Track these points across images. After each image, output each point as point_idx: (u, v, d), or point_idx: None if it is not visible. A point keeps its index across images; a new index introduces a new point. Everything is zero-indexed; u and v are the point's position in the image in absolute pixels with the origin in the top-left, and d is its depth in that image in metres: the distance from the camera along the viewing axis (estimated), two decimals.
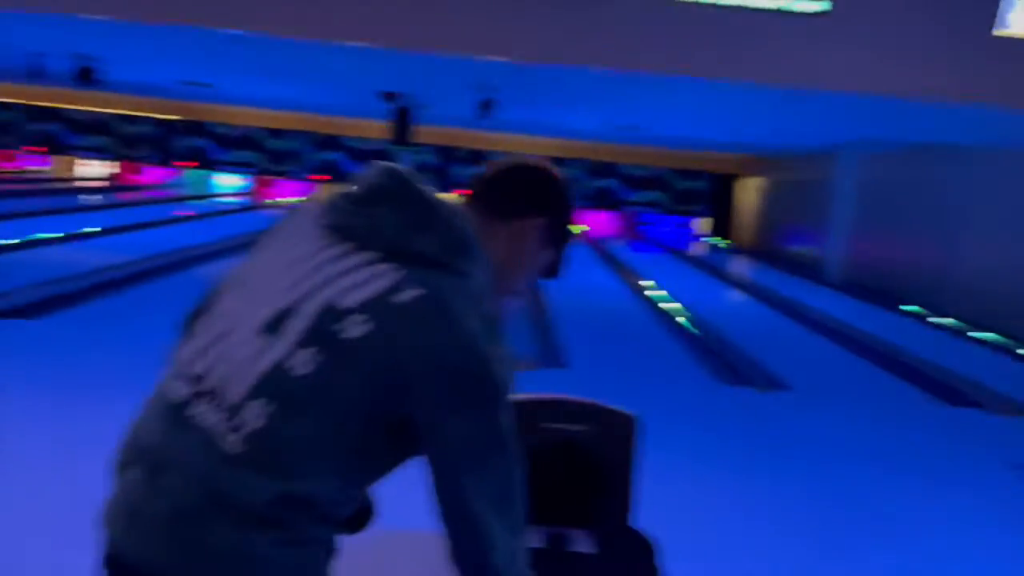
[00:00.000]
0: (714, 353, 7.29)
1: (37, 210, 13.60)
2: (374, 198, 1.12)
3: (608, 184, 21.67)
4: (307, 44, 7.48)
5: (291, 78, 12.08)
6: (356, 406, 1.02)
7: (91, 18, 6.30)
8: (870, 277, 13.70)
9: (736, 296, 12.21)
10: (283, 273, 1.09)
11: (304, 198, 22.11)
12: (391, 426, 1.04)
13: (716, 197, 21.78)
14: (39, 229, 10.79)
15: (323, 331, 1.02)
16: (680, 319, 8.85)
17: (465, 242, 1.12)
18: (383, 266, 1.06)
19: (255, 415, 1.01)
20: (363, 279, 1.05)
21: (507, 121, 14.93)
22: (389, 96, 11.62)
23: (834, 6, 4.71)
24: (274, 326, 1.04)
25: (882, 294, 12.65)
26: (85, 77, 11.23)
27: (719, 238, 21.49)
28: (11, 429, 3.80)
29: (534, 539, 2.07)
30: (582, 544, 2.03)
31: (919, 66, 5.46)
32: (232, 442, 1.01)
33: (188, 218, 15.18)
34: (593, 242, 17.48)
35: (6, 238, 9.67)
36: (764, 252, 18.58)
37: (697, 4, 4.94)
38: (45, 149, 22.03)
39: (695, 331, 8.23)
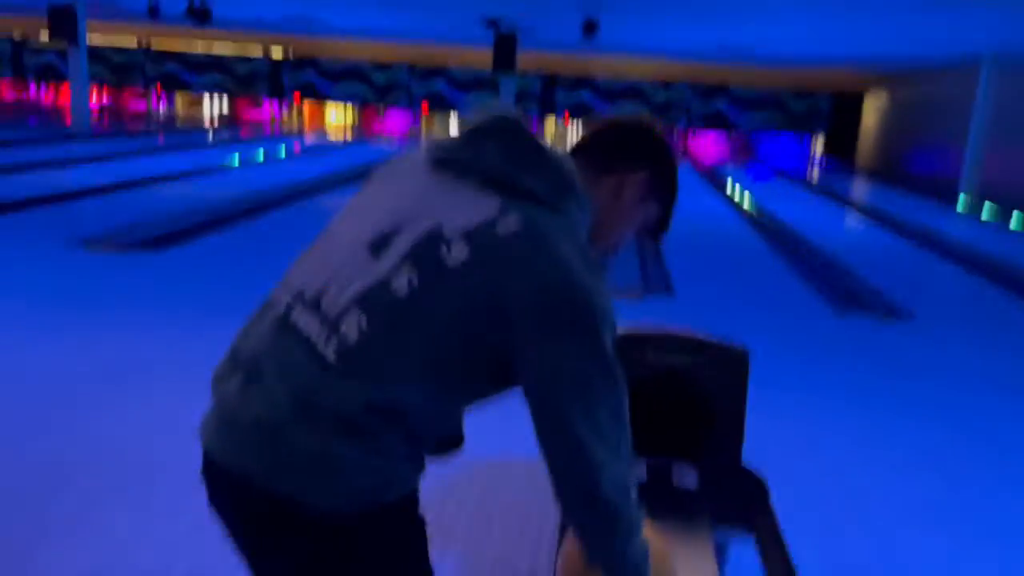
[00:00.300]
0: (832, 281, 6.96)
1: (162, 147, 14.26)
2: (485, 135, 1.14)
3: (718, 105, 20.82)
4: None
5: (397, 7, 12.04)
6: (453, 330, 1.03)
7: None
8: (1006, 200, 12.72)
9: (856, 221, 11.59)
10: (391, 199, 1.13)
11: (410, 129, 22.32)
12: (488, 353, 1.05)
13: (836, 117, 20.60)
14: (164, 166, 11.32)
15: (426, 255, 1.04)
16: (795, 246, 8.49)
17: (571, 186, 1.14)
18: (490, 198, 1.08)
19: (353, 328, 1.03)
20: (469, 208, 1.07)
21: (612, 43, 14.46)
22: (492, 22, 11.43)
23: None
24: (379, 246, 1.08)
25: (1019, 218, 11.74)
26: (200, 16, 11.55)
27: (837, 161, 20.40)
28: (139, 356, 4.04)
29: (637, 473, 2.05)
30: (687, 479, 1.98)
31: None
32: (329, 352, 1.03)
33: (301, 152, 15.58)
34: (703, 167, 16.91)
35: (134, 175, 10.20)
36: (888, 175, 17.53)
37: None
38: (162, 89, 22.96)
39: (811, 258, 7.88)
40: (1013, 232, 10.65)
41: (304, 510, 1.01)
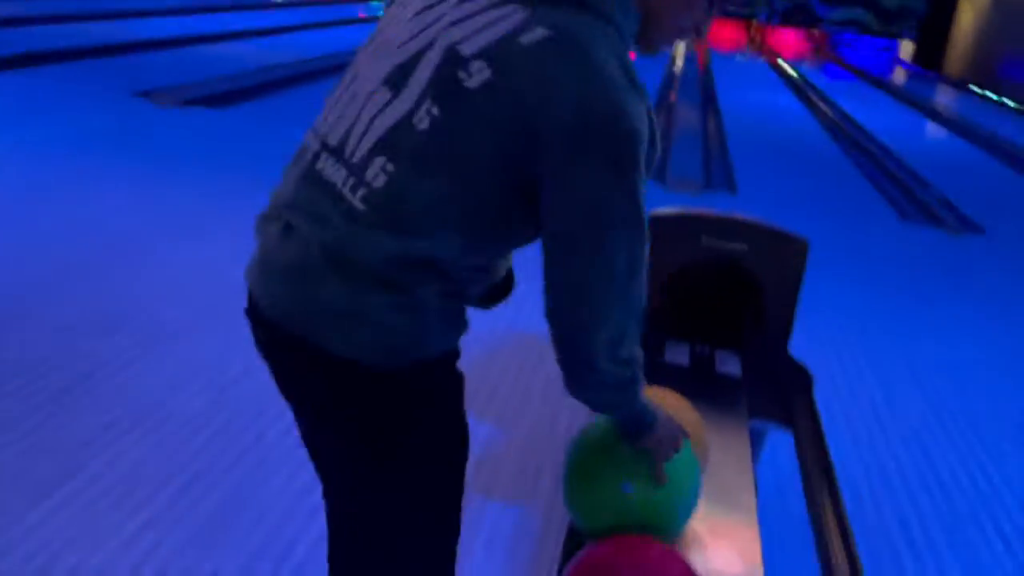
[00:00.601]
0: (906, 190, 6.68)
1: (228, 5, 14.10)
2: None
3: None
4: None
5: None
6: (482, 162, 0.93)
7: None
8: None
9: (939, 131, 11.01)
10: (407, 25, 1.02)
11: None
12: (521, 188, 0.95)
13: (929, 18, 19.28)
14: (231, 23, 11.21)
15: (446, 81, 0.94)
16: (869, 151, 8.12)
17: None
18: (511, 6, 0.96)
19: (379, 174, 0.96)
20: (488, 21, 0.95)
21: None
22: None
23: None
24: (397, 80, 0.98)
25: None
26: None
27: (925, 68, 19.24)
28: (193, 210, 4.10)
29: (679, 356, 2.03)
30: (730, 365, 1.95)
31: None
32: (356, 202, 0.97)
33: (368, 19, 15.26)
34: (782, 63, 16.12)
35: (203, 30, 10.14)
36: (979, 83, 16.50)
37: None
38: None
39: (885, 165, 7.54)
40: None
41: (333, 359, 0.98)
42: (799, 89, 12.44)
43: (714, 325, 2.08)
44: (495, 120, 0.92)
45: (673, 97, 10.04)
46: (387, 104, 0.98)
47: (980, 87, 16.15)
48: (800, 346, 3.26)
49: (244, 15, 13.07)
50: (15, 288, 3.06)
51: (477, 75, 0.93)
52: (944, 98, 14.45)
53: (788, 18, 19.94)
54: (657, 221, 2.02)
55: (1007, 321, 3.99)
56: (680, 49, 16.43)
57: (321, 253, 0.98)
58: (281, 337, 1.02)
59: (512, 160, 0.93)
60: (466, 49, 0.94)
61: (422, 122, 0.95)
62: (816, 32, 20.85)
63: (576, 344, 0.99)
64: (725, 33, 21.34)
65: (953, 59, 19.15)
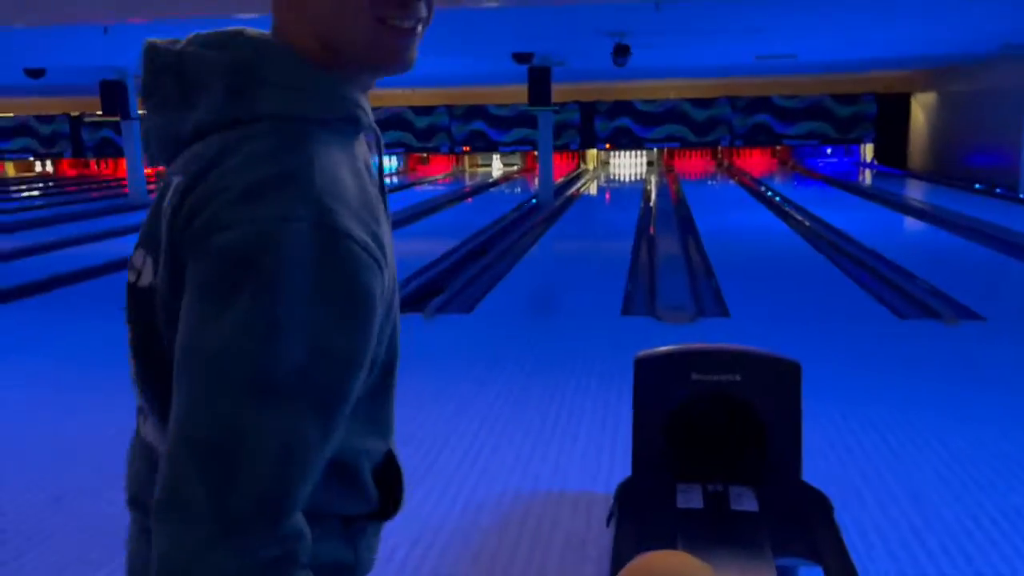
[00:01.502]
0: (895, 286, 6.72)
1: None
2: None
3: (762, 119, 20.55)
4: (440, 14, 7.49)
5: (433, 53, 12.23)
6: None
7: (238, 18, 6.59)
8: None
9: (916, 224, 11.23)
10: None
11: (452, 169, 22.56)
12: None
13: (885, 120, 20.13)
14: None
15: None
16: (853, 253, 8.24)
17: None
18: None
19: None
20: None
21: (646, 68, 14.43)
22: (524, 57, 11.51)
23: None
24: None
25: None
26: None
27: (889, 166, 19.89)
28: None
29: (692, 499, 1.95)
30: (745, 501, 1.88)
31: None
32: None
33: None
34: (749, 182, 16.66)
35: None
36: (943, 174, 17.01)
37: None
38: None
39: (870, 265, 7.63)
40: None
41: None
42: (773, 204, 12.79)
43: (722, 461, 2.02)
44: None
45: (652, 230, 10.28)
46: None
47: (943, 178, 16.63)
48: (817, 468, 3.15)
49: None
50: None
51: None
52: (913, 192, 14.85)
53: (750, 139, 20.78)
54: (644, 363, 1.99)
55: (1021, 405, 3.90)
56: (652, 183, 17.02)
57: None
58: None
59: None
60: None
61: None
62: (780, 148, 21.69)
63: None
64: (693, 163, 22.18)
65: (915, 155, 19.83)
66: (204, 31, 0.86)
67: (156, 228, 0.81)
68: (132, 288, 0.85)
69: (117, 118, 14.36)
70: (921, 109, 19.61)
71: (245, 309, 0.70)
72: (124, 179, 16.71)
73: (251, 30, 0.85)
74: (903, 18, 9.52)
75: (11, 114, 22.72)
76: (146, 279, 0.83)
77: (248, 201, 0.73)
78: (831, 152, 21.68)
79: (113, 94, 14.05)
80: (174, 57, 0.85)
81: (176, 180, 0.80)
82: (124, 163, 16.22)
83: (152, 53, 0.87)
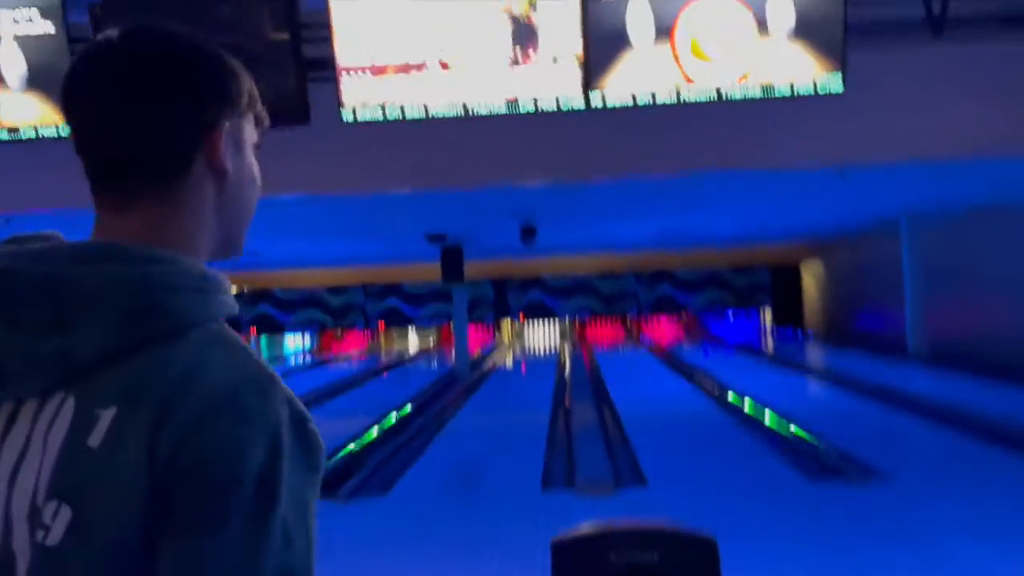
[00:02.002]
0: (800, 450, 6.90)
1: None
2: None
3: (665, 290, 21.53)
4: (353, 199, 7.76)
5: (345, 233, 12.52)
6: None
7: None
8: (954, 348, 13.05)
9: (816, 386, 11.71)
10: None
11: (367, 346, 22.49)
12: None
13: (779, 288, 21.40)
14: None
15: None
16: (759, 417, 8.47)
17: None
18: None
19: None
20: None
21: (554, 244, 15.12)
22: (436, 237, 11.91)
23: (847, 85, 4.69)
24: None
25: (969, 364, 11.99)
26: None
27: (788, 328, 20.95)
28: None
29: None
30: None
31: (954, 125, 5.35)
32: None
33: None
34: (660, 350, 17.18)
35: None
36: (837, 337, 17.97)
37: (707, 103, 4.98)
38: None
39: (777, 428, 7.84)
40: (965, 379, 10.82)
41: None
42: (682, 371, 13.16)
43: None
44: None
45: (567, 401, 10.37)
46: None
47: (839, 341, 17.55)
48: None
49: None
50: None
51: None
52: (812, 355, 15.58)
53: (656, 308, 21.65)
54: (560, 547, 1.97)
55: (950, 558, 3.97)
56: (566, 353, 17.35)
57: None
58: None
59: None
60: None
61: None
62: (684, 316, 22.63)
63: None
64: (605, 332, 22.80)
65: (810, 319, 20.99)
66: (28, 244, 0.80)
67: (82, 471, 0.71)
68: (37, 547, 0.71)
69: None
70: (811, 278, 20.98)
71: (270, 530, 0.72)
72: None
73: (120, 241, 0.79)
74: (786, 200, 10.39)
75: None
76: (57, 535, 0.70)
77: (243, 424, 0.72)
78: (733, 317, 22.73)
79: None
80: (43, 278, 0.75)
81: (108, 412, 0.72)
82: None
83: (8, 276, 0.76)
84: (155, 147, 0.82)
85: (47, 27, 4.92)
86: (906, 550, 4.19)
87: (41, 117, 5.09)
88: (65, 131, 5.26)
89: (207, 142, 0.83)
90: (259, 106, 0.90)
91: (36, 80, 5.03)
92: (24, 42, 4.95)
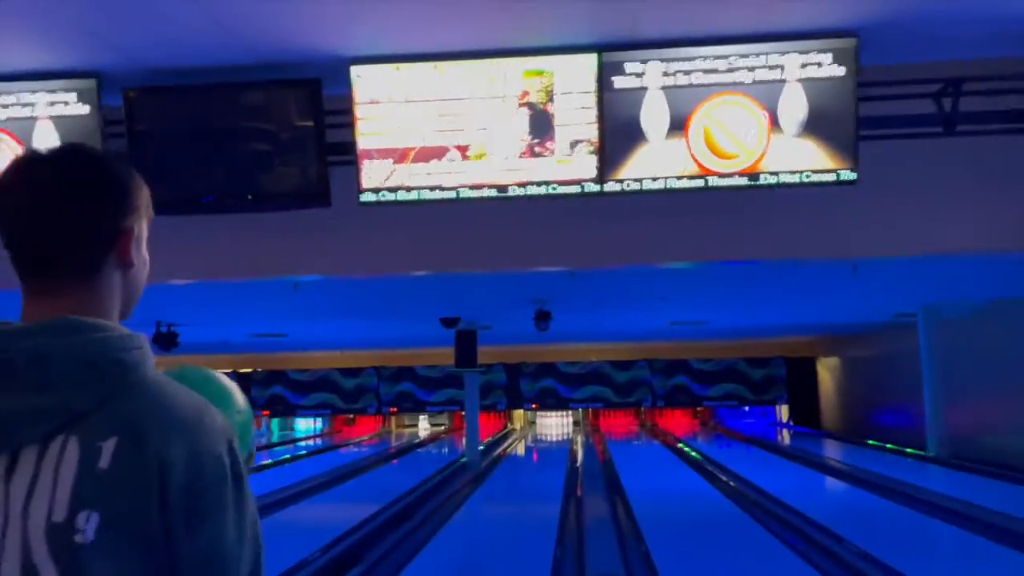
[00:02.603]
0: (823, 549, 6.66)
1: None
2: None
3: (680, 381, 21.30)
4: (370, 282, 7.83)
5: (361, 315, 12.58)
6: None
7: (171, 283, 6.73)
8: (976, 447, 12.74)
9: (834, 483, 11.41)
10: None
11: (379, 430, 22.27)
12: None
13: (795, 382, 21.12)
14: None
15: None
16: (777, 514, 8.22)
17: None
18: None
19: None
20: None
21: (568, 332, 15.09)
22: (450, 321, 11.93)
23: (860, 175, 4.74)
24: None
25: (993, 463, 11.68)
26: (167, 342, 11.90)
27: (804, 423, 20.58)
28: None
29: None
30: None
31: (970, 220, 5.35)
32: None
33: (269, 465, 15.29)
34: (675, 442, 16.87)
35: None
36: (855, 433, 17.61)
37: (720, 194, 5.04)
38: None
39: (798, 527, 7.60)
40: (988, 479, 10.51)
41: None
42: (697, 465, 12.88)
43: None
44: None
45: (579, 492, 10.14)
46: None
47: (856, 438, 17.20)
48: None
49: None
50: None
51: None
52: (830, 451, 15.24)
53: (671, 400, 21.37)
54: None
55: None
56: (579, 443, 17.07)
57: None
58: None
59: None
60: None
61: None
62: (700, 409, 22.30)
63: None
64: (618, 422, 22.48)
65: (827, 415, 20.62)
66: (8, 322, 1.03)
67: (99, 486, 0.96)
68: (74, 548, 0.94)
69: None
70: (827, 372, 20.73)
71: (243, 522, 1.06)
72: None
73: (70, 315, 1.03)
74: (798, 293, 10.38)
75: None
76: (90, 535, 0.95)
77: (213, 438, 1.04)
78: (749, 412, 22.39)
79: None
80: (32, 351, 0.98)
81: (110, 442, 0.97)
82: None
83: (2, 353, 0.98)
84: (81, 247, 1.06)
85: (82, 109, 5.09)
86: None
87: None
88: None
89: (120, 244, 1.09)
90: (151, 208, 1.16)
91: None
92: (59, 122, 5.12)
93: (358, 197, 5.10)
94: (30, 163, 1.08)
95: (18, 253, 1.06)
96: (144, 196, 1.14)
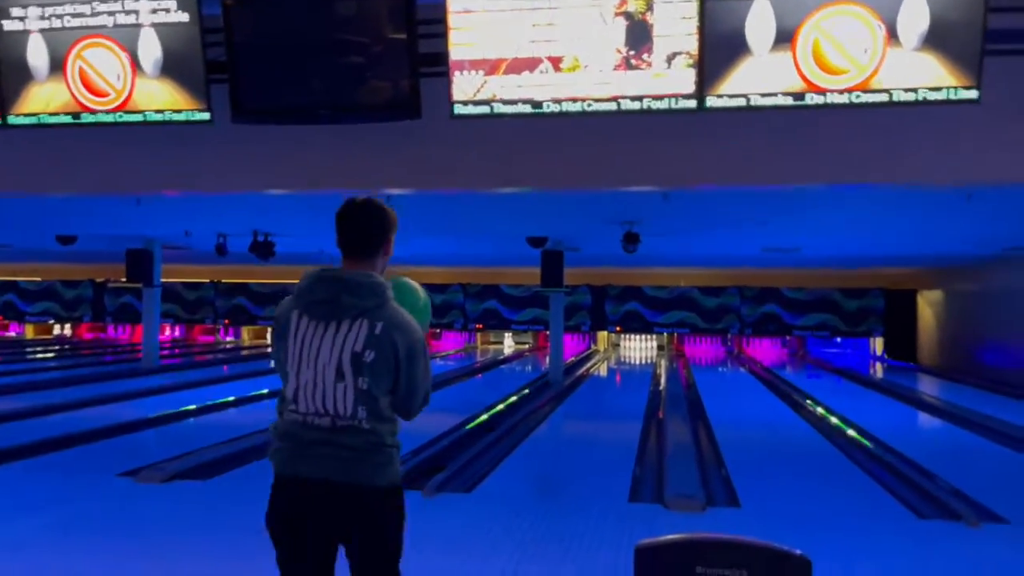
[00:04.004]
0: (912, 484, 6.50)
1: (227, 376, 14.73)
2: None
3: (771, 309, 20.83)
4: (459, 197, 7.83)
5: (447, 233, 12.69)
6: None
7: (269, 193, 6.89)
8: None
9: (930, 420, 11.06)
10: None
11: (465, 346, 22.73)
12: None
13: (892, 315, 20.35)
14: (229, 393, 11.59)
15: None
16: (866, 448, 8.05)
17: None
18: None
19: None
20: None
21: (656, 255, 14.86)
22: (537, 241, 11.90)
23: (981, 93, 4.38)
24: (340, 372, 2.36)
25: None
26: (264, 251, 12.30)
27: (899, 358, 19.91)
28: None
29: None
30: None
31: None
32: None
33: None
34: (761, 371, 16.64)
35: (197, 403, 10.43)
36: (954, 370, 16.94)
37: (827, 111, 4.75)
38: (230, 324, 24.09)
39: (887, 461, 7.42)
40: None
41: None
42: (784, 394, 12.68)
43: None
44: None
45: (661, 414, 10.15)
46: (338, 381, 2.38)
47: (955, 376, 16.55)
48: None
49: (245, 384, 13.57)
50: None
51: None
52: (925, 387, 14.75)
53: (759, 329, 20.97)
54: (645, 553, 1.89)
55: None
56: (662, 367, 17.03)
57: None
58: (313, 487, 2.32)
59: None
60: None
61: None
62: (789, 338, 21.82)
63: (420, 403, 2.47)
64: (703, 349, 22.27)
65: (924, 350, 19.87)
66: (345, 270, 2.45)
67: (374, 341, 2.32)
68: (362, 363, 2.31)
69: (139, 285, 14.72)
70: (928, 306, 19.87)
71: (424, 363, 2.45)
72: (139, 344, 16.90)
73: (363, 271, 2.41)
74: (905, 221, 9.86)
75: (39, 278, 23.37)
76: (371, 359, 2.31)
77: (416, 330, 2.44)
78: (840, 343, 21.77)
79: (139, 262, 14.50)
80: (353, 281, 2.36)
81: (379, 324, 2.32)
82: (140, 329, 16.46)
83: (344, 280, 2.37)
84: (371, 246, 2.44)
85: (182, 17, 5.17)
86: None
87: (172, 102, 5.35)
88: (194, 116, 5.47)
89: (384, 245, 2.47)
90: (396, 226, 2.51)
91: (169, 67, 5.29)
92: (161, 30, 5.22)
93: (451, 110, 5.06)
94: (355, 205, 2.45)
95: (346, 245, 2.43)
96: (394, 223, 2.50)
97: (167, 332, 24.29)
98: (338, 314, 2.29)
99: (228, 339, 24.70)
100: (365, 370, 2.27)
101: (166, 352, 19.39)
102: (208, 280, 23.54)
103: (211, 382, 13.35)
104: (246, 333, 25.06)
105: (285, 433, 2.34)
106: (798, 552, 1.90)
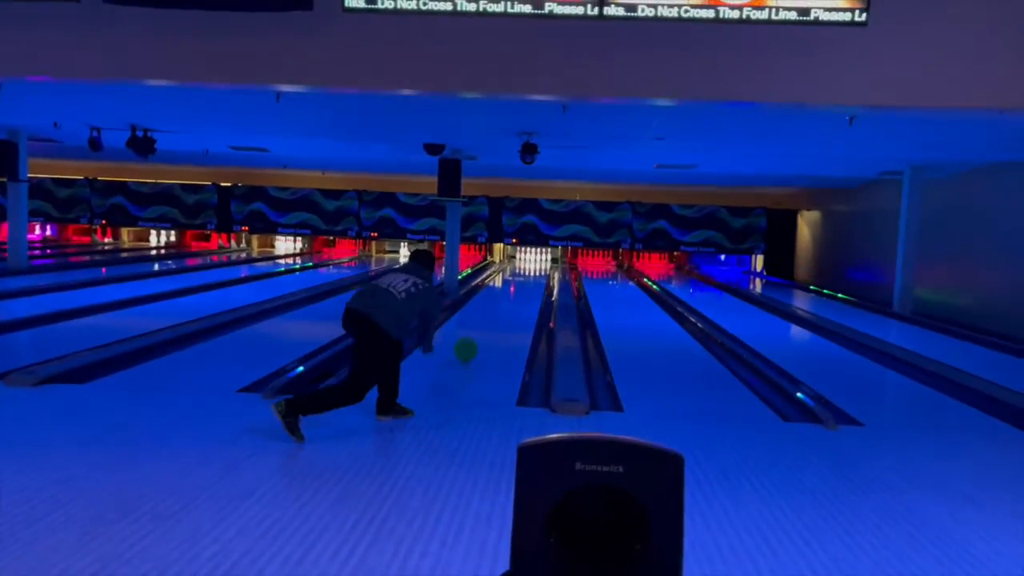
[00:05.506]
0: (781, 390, 6.95)
1: (102, 279, 14.04)
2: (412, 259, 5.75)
3: (660, 225, 21.43)
4: (357, 97, 7.53)
5: (343, 136, 12.28)
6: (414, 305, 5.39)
7: (146, 83, 6.44)
8: (940, 307, 13.11)
9: (799, 332, 11.77)
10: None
11: (359, 254, 22.43)
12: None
13: (774, 233, 21.32)
14: (104, 297, 11.07)
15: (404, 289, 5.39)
16: (743, 357, 8.51)
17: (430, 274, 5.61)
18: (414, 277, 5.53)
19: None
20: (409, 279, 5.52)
21: (553, 168, 14.91)
22: (435, 148, 11.70)
23: (870, 16, 4.51)
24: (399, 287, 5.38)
25: (953, 323, 12.06)
26: (144, 148, 11.59)
27: (778, 274, 20.97)
28: (63, 490, 3.75)
29: None
30: None
31: (976, 74, 5.18)
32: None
33: (249, 279, 15.45)
34: (648, 284, 17.20)
35: (69, 307, 9.93)
36: (827, 286, 18.01)
37: (718, 21, 4.80)
38: (107, 224, 22.84)
39: (760, 369, 7.89)
40: (949, 337, 10.89)
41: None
42: (669, 306, 13.18)
43: (603, 554, 1.96)
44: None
45: (552, 324, 10.39)
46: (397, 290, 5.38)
47: (828, 289, 17.60)
48: (700, 566, 3.14)
49: (120, 287, 12.99)
50: None
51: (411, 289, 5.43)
52: (799, 302, 15.63)
53: (649, 244, 21.58)
54: (527, 451, 1.94)
55: (917, 507, 4.02)
56: (555, 279, 17.35)
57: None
58: (364, 320, 5.14)
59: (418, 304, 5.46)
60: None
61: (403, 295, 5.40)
62: (677, 253, 22.57)
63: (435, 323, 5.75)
64: (595, 262, 22.78)
65: (800, 267, 20.99)
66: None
67: (416, 288, 5.40)
68: (411, 293, 5.34)
69: (3, 179, 13.70)
70: (807, 225, 20.89)
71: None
72: (5, 242, 15.84)
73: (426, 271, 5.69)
74: (792, 142, 10.21)
75: None
76: (413, 291, 5.35)
77: (436, 294, 5.70)
78: (724, 260, 22.72)
79: (3, 154, 13.46)
80: (414, 265, 5.65)
81: (409, 283, 5.40)
82: (7, 227, 15.39)
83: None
84: (430, 273, 5.72)
85: None
86: (864, 496, 4.24)
87: None
88: None
89: (434, 269, 5.84)
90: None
91: None
92: None
93: (342, 2, 4.82)
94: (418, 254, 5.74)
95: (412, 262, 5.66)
96: (433, 261, 5.78)
97: (37, 231, 22.86)
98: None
99: (106, 240, 23.48)
100: (408, 297, 5.23)
101: (36, 252, 18.27)
102: (83, 177, 22.13)
103: (86, 284, 12.72)
104: (125, 234, 23.88)
105: None
106: (672, 450, 2.00)
